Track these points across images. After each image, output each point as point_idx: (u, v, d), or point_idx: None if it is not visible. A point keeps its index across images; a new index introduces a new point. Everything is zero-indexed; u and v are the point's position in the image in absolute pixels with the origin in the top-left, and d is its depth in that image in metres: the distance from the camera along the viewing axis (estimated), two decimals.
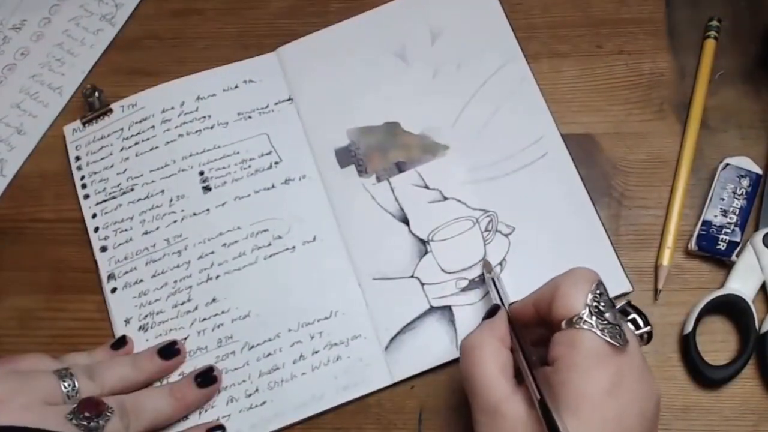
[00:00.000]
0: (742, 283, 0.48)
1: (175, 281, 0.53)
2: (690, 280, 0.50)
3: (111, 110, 0.57)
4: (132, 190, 0.55)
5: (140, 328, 0.52)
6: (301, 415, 0.49)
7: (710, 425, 0.47)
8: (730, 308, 0.48)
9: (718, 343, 0.48)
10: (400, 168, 0.54)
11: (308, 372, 0.50)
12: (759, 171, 0.51)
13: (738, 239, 0.49)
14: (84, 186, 0.56)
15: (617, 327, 0.37)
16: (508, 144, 0.54)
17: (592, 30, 0.56)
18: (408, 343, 0.50)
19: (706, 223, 0.50)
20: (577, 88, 0.55)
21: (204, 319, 0.51)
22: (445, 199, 0.53)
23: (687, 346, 0.48)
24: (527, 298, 0.42)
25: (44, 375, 0.45)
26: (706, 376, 0.47)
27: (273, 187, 0.54)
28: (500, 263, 0.51)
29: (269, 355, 0.50)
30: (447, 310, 0.50)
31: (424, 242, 0.52)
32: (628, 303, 0.42)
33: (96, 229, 0.54)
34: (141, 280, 0.53)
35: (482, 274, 0.50)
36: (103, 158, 0.56)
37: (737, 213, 0.50)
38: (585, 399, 0.36)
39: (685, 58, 0.55)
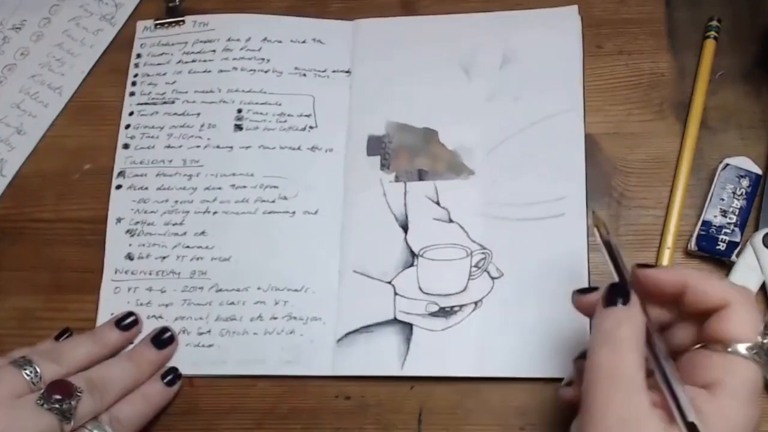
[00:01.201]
0: (742, 283, 0.48)
1: (176, 201, 0.54)
2: None
3: (183, 21, 0.59)
4: (173, 102, 0.57)
5: (128, 231, 0.54)
6: (240, 371, 0.50)
7: None
8: None
9: None
10: (421, 176, 0.54)
11: (260, 334, 0.51)
12: (759, 171, 0.51)
13: (738, 239, 0.49)
14: (134, 83, 0.58)
15: None
16: (532, 192, 0.52)
17: (592, 30, 0.56)
18: (360, 343, 0.50)
19: (706, 223, 0.50)
20: None
21: (187, 247, 0.53)
22: (450, 221, 0.52)
23: None
24: (677, 273, 0.38)
25: (1, 369, 0.44)
26: None
27: (299, 149, 0.55)
28: (476, 302, 0.50)
29: (232, 303, 0.52)
30: (408, 327, 0.50)
31: (414, 255, 0.52)
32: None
33: (127, 126, 0.57)
34: (146, 188, 0.55)
35: (458, 306, 0.49)
36: (160, 64, 0.58)
37: (737, 213, 0.50)
38: (735, 430, 0.34)
39: (685, 58, 0.55)
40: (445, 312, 0.50)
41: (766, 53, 0.54)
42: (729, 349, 0.35)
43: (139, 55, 0.59)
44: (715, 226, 0.50)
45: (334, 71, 0.57)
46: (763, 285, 0.48)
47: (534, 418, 0.48)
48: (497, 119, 0.54)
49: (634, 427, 0.33)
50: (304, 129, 0.55)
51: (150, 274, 0.53)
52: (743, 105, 0.53)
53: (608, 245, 0.40)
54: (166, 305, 0.52)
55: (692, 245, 0.50)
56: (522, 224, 0.51)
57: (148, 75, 0.58)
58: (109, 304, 0.53)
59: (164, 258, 0.53)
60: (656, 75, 0.55)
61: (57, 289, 0.54)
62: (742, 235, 0.49)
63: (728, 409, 0.34)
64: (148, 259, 0.53)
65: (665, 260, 0.50)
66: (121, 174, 0.55)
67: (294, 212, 0.53)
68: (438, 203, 0.53)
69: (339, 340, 0.50)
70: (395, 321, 0.50)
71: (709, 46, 0.54)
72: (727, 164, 0.51)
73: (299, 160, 0.55)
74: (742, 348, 0.35)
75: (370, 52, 0.57)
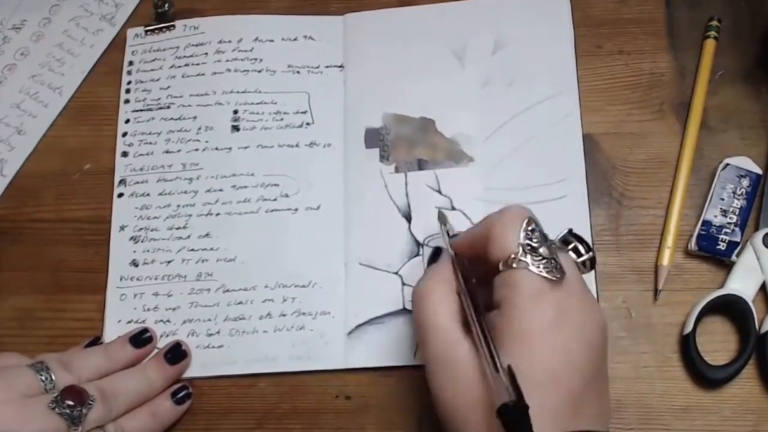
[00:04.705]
0: (742, 283, 0.48)
1: (178, 205, 0.54)
2: (690, 280, 0.50)
3: (174, 26, 0.59)
4: (168, 107, 0.57)
5: (132, 237, 0.54)
6: (251, 370, 0.50)
7: (710, 425, 0.47)
8: (730, 308, 0.48)
9: (718, 343, 0.48)
10: (421, 165, 0.54)
11: (270, 331, 0.51)
12: (759, 171, 0.51)
13: (738, 239, 0.49)
14: (128, 91, 0.58)
15: (552, 261, 0.38)
16: (532, 175, 0.52)
17: (592, 30, 0.56)
18: (371, 335, 0.50)
19: (706, 223, 0.50)
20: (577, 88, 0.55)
21: (192, 250, 0.53)
22: (453, 209, 0.53)
23: (687, 346, 0.48)
24: (464, 237, 0.43)
25: (19, 369, 0.45)
26: (706, 376, 0.47)
27: (297, 146, 0.55)
28: None
29: (240, 303, 0.52)
30: None
31: (419, 244, 0.52)
32: (570, 231, 0.41)
33: (124, 134, 0.57)
34: (147, 194, 0.55)
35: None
36: (152, 69, 0.58)
37: (737, 213, 0.50)
38: (530, 335, 0.36)
39: (685, 58, 0.55)
40: None
41: (766, 53, 0.54)
42: (501, 268, 0.38)
43: (131, 63, 0.59)
44: (715, 225, 0.50)
45: (327, 66, 0.57)
46: (763, 285, 0.48)
47: None
48: (493, 105, 0.55)
49: (449, 361, 0.38)
50: (301, 126, 0.56)
51: (156, 279, 0.53)
52: (743, 105, 0.54)
53: (447, 234, 0.46)
54: (174, 309, 0.52)
55: (692, 245, 0.50)
56: None
57: (142, 81, 0.58)
58: (116, 312, 0.52)
59: (169, 262, 0.53)
60: (656, 75, 0.55)
61: (57, 289, 0.54)
62: (742, 234, 0.49)
63: (513, 317, 0.37)
64: (153, 264, 0.53)
65: (665, 260, 0.50)
66: (122, 182, 0.55)
67: (296, 209, 0.53)
68: (440, 191, 0.53)
69: (349, 333, 0.50)
70: (405, 311, 0.50)
71: (709, 46, 0.54)
72: (727, 164, 0.51)
73: (298, 157, 0.55)
74: (506, 263, 0.38)
75: (362, 46, 0.57)
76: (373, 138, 0.55)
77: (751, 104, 0.53)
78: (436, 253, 0.45)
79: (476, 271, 0.41)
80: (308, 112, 0.56)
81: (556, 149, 0.53)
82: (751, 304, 0.48)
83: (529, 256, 0.38)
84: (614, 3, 0.57)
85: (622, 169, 0.53)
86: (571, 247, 0.41)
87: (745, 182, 0.50)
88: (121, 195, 0.55)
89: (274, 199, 0.54)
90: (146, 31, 0.59)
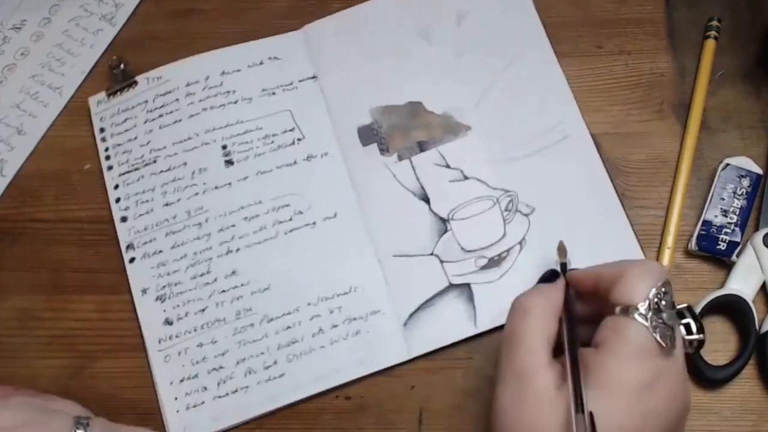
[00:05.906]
0: (742, 283, 0.48)
1: (195, 253, 0.53)
2: (690, 280, 0.50)
3: (136, 82, 0.58)
4: (155, 162, 0.55)
5: (157, 298, 0.52)
6: (320, 387, 0.49)
7: (710, 425, 0.47)
8: (730, 308, 0.48)
9: (718, 343, 0.48)
10: (422, 147, 0.54)
11: (327, 345, 0.50)
12: (759, 171, 0.51)
13: (738, 239, 0.49)
14: (108, 158, 0.56)
15: (671, 330, 0.37)
16: (530, 126, 0.54)
17: (592, 30, 0.56)
18: (427, 319, 0.50)
19: (706, 223, 0.50)
20: (578, 88, 0.55)
21: (223, 291, 0.52)
22: (466, 178, 0.53)
23: None
24: (591, 269, 0.42)
25: (60, 416, 0.43)
26: (706, 376, 0.47)
27: (295, 163, 0.55)
28: (520, 242, 0.51)
29: (288, 328, 0.51)
30: (466, 287, 0.50)
31: (444, 221, 0.52)
32: (688, 307, 0.40)
33: (117, 200, 0.55)
34: (160, 251, 0.53)
35: (505, 252, 0.50)
36: (127, 130, 0.57)
37: (737, 213, 0.50)
38: (619, 387, 0.36)
39: (685, 58, 0.55)
40: (495, 261, 0.51)
41: (766, 53, 0.54)
42: (616, 311, 0.38)
43: (102, 129, 0.57)
44: (715, 225, 0.50)
45: (300, 81, 0.57)
46: (763, 285, 0.48)
47: None
48: (473, 72, 0.56)
49: (528, 380, 0.38)
50: (293, 143, 0.55)
51: (195, 330, 0.51)
52: (743, 105, 0.54)
53: (564, 266, 0.46)
54: (223, 354, 0.51)
55: (692, 245, 0.50)
56: (533, 158, 0.53)
57: (119, 144, 0.56)
58: (164, 374, 0.51)
59: (203, 310, 0.52)
60: (656, 75, 0.55)
61: (57, 289, 0.54)
62: (742, 234, 0.49)
63: (609, 364, 0.36)
64: (187, 317, 0.52)
65: (665, 260, 0.50)
66: (129, 247, 0.54)
67: (314, 222, 0.53)
68: (448, 166, 0.53)
69: (405, 323, 0.50)
70: (452, 287, 0.51)
71: (709, 46, 0.54)
72: (728, 164, 0.51)
73: (300, 173, 0.54)
74: (626, 310, 0.37)
75: (329, 51, 0.58)
76: (368, 135, 0.55)
77: (751, 104, 0.53)
78: (552, 274, 0.44)
79: (581, 306, 0.41)
80: (296, 128, 0.56)
81: (544, 97, 0.54)
82: (751, 304, 0.48)
83: (651, 314, 0.37)
84: (614, 3, 0.57)
85: (622, 169, 0.53)
86: (683, 322, 0.40)
87: (746, 182, 0.50)
88: (132, 260, 0.53)
89: (290, 219, 0.53)
90: (108, 95, 0.58)
